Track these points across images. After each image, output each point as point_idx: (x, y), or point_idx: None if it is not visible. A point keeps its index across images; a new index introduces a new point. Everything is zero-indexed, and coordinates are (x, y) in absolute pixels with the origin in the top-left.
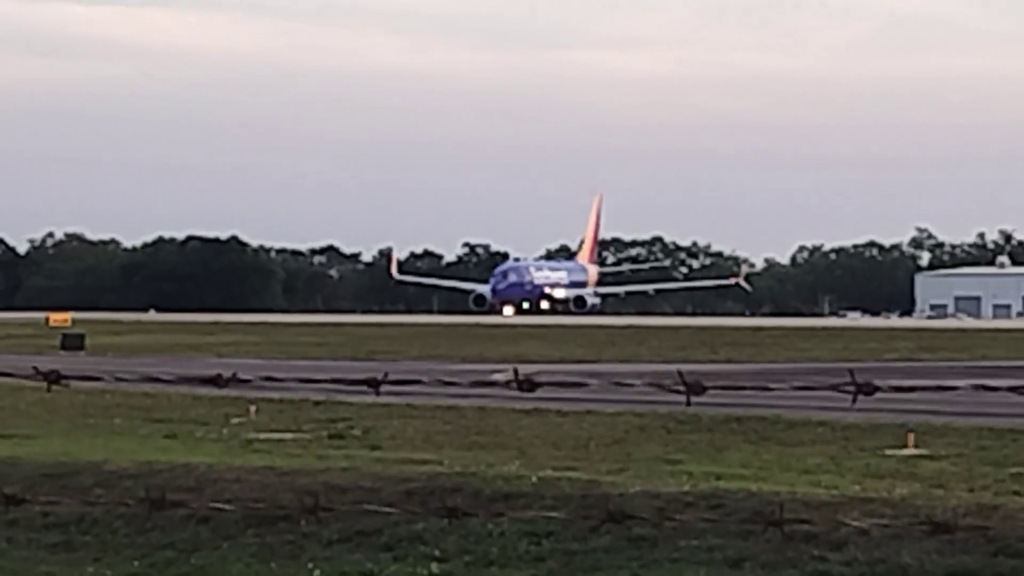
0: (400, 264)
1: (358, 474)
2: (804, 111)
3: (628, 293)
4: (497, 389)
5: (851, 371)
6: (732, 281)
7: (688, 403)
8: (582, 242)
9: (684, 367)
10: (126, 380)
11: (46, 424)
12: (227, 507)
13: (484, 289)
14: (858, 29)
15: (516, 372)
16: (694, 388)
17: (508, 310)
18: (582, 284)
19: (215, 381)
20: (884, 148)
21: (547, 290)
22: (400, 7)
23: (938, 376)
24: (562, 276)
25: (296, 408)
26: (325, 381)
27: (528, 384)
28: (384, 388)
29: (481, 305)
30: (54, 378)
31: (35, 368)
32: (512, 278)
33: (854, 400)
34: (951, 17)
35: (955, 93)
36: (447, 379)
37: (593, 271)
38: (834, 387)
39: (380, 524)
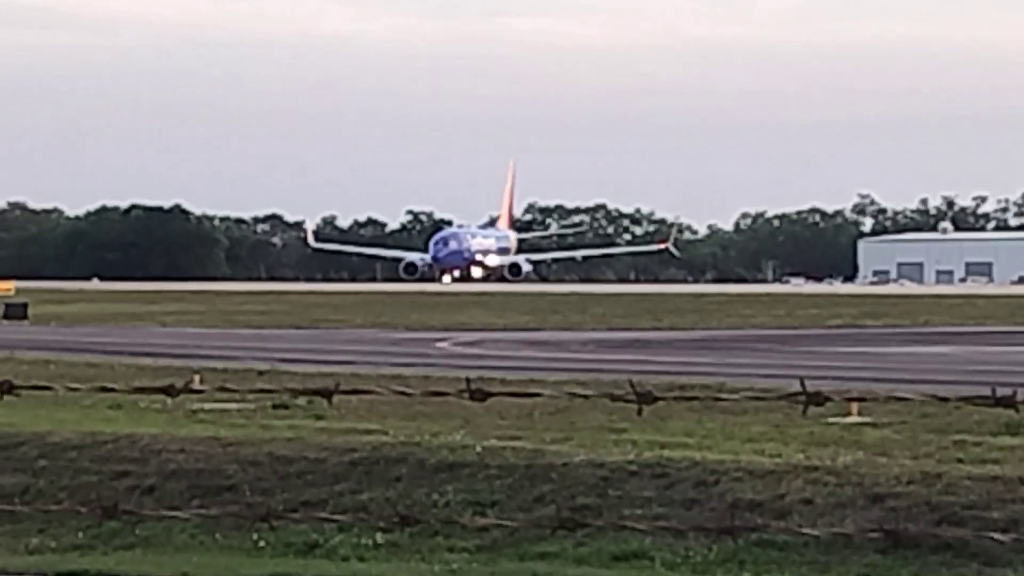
0: (316, 233)
1: (303, 444)
2: (748, 77)
3: (555, 260)
4: (439, 359)
5: (802, 380)
6: (662, 246)
7: (640, 412)
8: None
9: (627, 335)
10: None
11: None
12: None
13: (414, 257)
14: None
15: (468, 382)
16: (644, 398)
17: (446, 278)
18: (507, 251)
19: (167, 391)
20: (826, 114)
21: (479, 257)
22: None
23: (880, 343)
24: (491, 243)
25: (240, 378)
26: (276, 391)
27: (480, 394)
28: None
29: (412, 273)
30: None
31: None
32: (452, 245)
33: (804, 412)
34: None
35: (898, 59)
36: (400, 389)
37: (513, 238)
38: (786, 396)
39: (325, 495)
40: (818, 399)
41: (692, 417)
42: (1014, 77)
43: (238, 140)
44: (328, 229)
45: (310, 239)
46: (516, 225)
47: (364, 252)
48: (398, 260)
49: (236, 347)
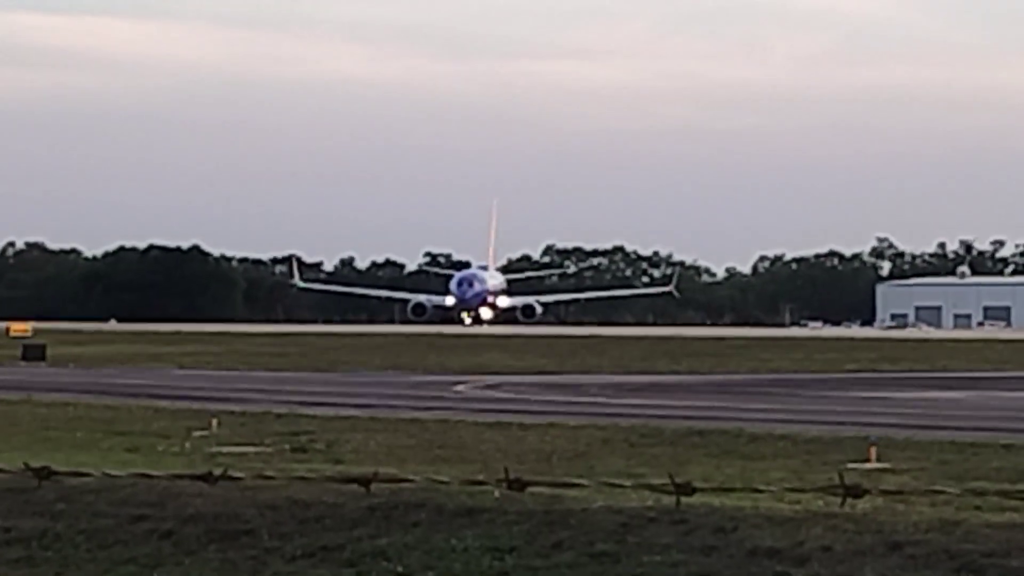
0: (301, 272)
1: (321, 488)
2: (766, 120)
3: (557, 302)
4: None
5: (840, 475)
6: (666, 289)
7: (678, 503)
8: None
9: (646, 378)
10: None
11: (6, 437)
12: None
13: (422, 297)
14: (820, 39)
15: (507, 471)
16: (683, 489)
17: (466, 318)
18: (505, 293)
19: (205, 479)
20: (845, 158)
21: (491, 299)
22: (362, 16)
23: (898, 388)
24: (502, 284)
25: (258, 421)
26: (315, 479)
27: (518, 484)
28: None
29: (420, 315)
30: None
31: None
32: (477, 286)
33: (843, 503)
34: (912, 27)
35: (916, 103)
36: (434, 477)
37: (502, 279)
38: (822, 489)
39: (343, 539)
40: (856, 491)
41: (711, 463)
42: None
43: (256, 181)
44: (346, 270)
45: (296, 279)
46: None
47: (352, 292)
48: (392, 300)
49: (254, 389)
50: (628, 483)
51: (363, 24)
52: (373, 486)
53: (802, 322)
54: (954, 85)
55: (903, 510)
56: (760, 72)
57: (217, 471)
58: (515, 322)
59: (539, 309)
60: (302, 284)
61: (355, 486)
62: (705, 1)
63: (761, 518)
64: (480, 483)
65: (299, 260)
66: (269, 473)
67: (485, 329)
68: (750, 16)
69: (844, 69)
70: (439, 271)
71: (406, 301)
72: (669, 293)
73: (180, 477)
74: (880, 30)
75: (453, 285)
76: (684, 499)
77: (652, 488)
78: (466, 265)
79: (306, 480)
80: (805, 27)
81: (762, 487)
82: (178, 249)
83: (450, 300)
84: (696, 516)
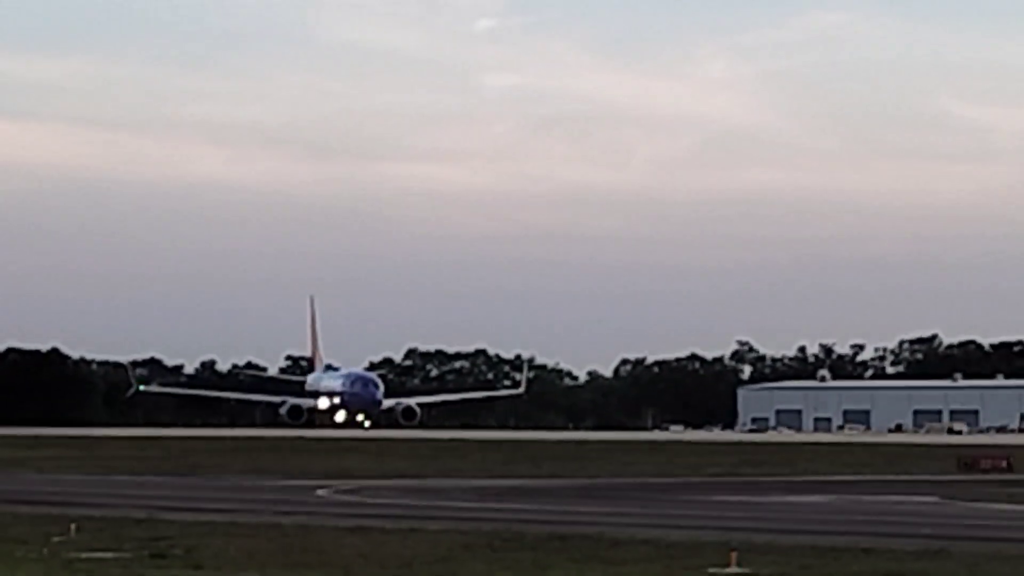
0: (139, 381)
1: None
2: (626, 224)
3: (420, 404)
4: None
5: None
6: (518, 391)
7: None
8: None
9: (508, 483)
10: None
11: None
12: None
13: (298, 401)
14: (680, 143)
15: None
16: None
17: (340, 417)
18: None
19: None
20: (705, 261)
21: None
22: (222, 118)
23: (759, 492)
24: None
25: (118, 526)
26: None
27: None
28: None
29: (297, 417)
30: None
31: None
32: (372, 388)
33: None
34: (771, 133)
35: (776, 207)
36: None
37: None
38: None
39: None
40: None
41: (574, 567)
42: (892, 226)
43: (116, 283)
44: (207, 373)
45: (134, 385)
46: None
47: (199, 394)
48: (253, 403)
49: (114, 494)
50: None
51: (222, 126)
52: None
53: (664, 425)
54: (813, 190)
55: None
56: (620, 175)
57: None
58: (396, 425)
59: (419, 412)
60: (143, 388)
61: None
62: (565, 105)
63: None
64: None
65: (149, 361)
66: None
67: (347, 432)
68: (610, 120)
69: (704, 173)
70: (291, 378)
71: (274, 404)
72: (519, 395)
73: None
74: (739, 135)
75: (339, 385)
76: None
77: None
78: (335, 368)
79: None
80: (665, 131)
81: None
82: (36, 352)
83: (324, 402)
84: None
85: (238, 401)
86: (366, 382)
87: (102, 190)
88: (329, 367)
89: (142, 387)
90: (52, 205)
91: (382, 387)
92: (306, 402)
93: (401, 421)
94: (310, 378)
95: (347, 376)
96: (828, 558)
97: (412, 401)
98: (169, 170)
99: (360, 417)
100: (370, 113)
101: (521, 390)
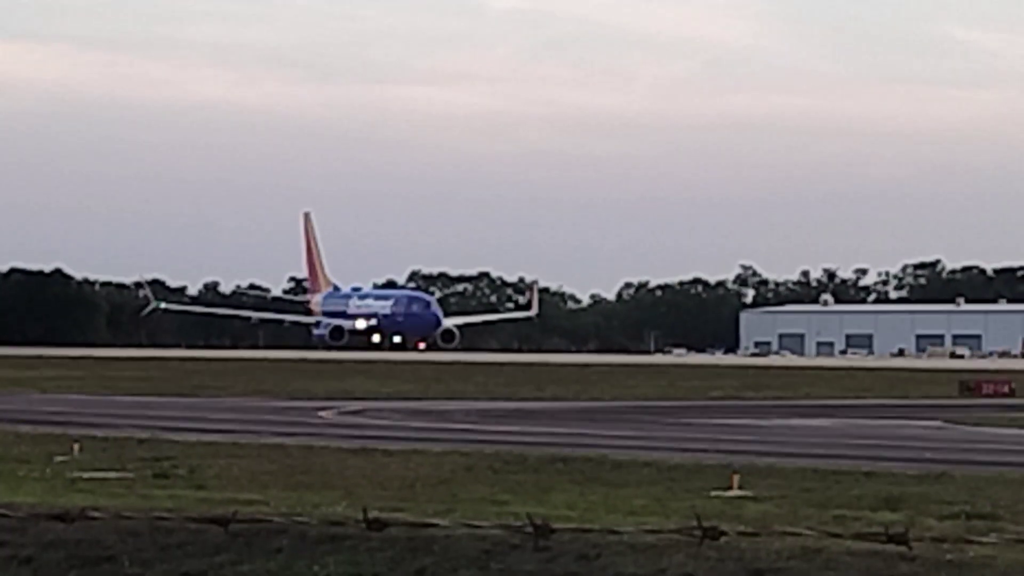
0: (155, 293)
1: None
2: (629, 148)
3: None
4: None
5: (698, 516)
6: (527, 313)
7: (536, 545)
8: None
9: (511, 405)
10: None
11: None
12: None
13: (340, 322)
14: (682, 66)
15: (365, 512)
16: (541, 531)
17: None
18: None
19: (62, 518)
20: (709, 185)
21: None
22: (225, 40)
23: (761, 415)
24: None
25: (120, 446)
26: (168, 518)
27: (377, 524)
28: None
29: (338, 338)
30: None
31: None
32: (419, 308)
33: (700, 544)
34: (774, 55)
35: (778, 131)
36: (298, 518)
37: None
38: (678, 531)
39: (205, 566)
40: (713, 534)
41: (575, 489)
42: (895, 151)
43: (120, 205)
44: (211, 295)
45: (153, 302)
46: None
47: (209, 312)
48: (247, 319)
49: (116, 414)
50: (487, 522)
51: (227, 48)
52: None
53: (666, 349)
54: (815, 113)
55: (765, 538)
56: (623, 99)
57: (79, 501)
58: (435, 348)
59: (457, 334)
60: (164, 306)
61: (219, 511)
62: (568, 28)
63: (624, 546)
64: (339, 524)
65: (152, 282)
66: (127, 514)
67: (350, 355)
68: (613, 43)
69: (706, 96)
70: (295, 298)
71: (307, 324)
72: (529, 318)
73: (37, 517)
74: (741, 58)
75: (389, 307)
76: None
77: (510, 528)
78: (336, 289)
79: (160, 518)
80: (667, 54)
81: (619, 528)
82: (40, 273)
83: (362, 323)
84: (559, 543)
85: (262, 321)
86: (426, 303)
87: (104, 111)
88: (356, 289)
89: (163, 305)
90: (54, 126)
91: (437, 307)
92: (347, 323)
93: (440, 343)
94: (317, 298)
95: (398, 297)
96: (829, 481)
97: (450, 323)
98: (171, 91)
99: (396, 339)
100: (373, 35)
101: (532, 312)
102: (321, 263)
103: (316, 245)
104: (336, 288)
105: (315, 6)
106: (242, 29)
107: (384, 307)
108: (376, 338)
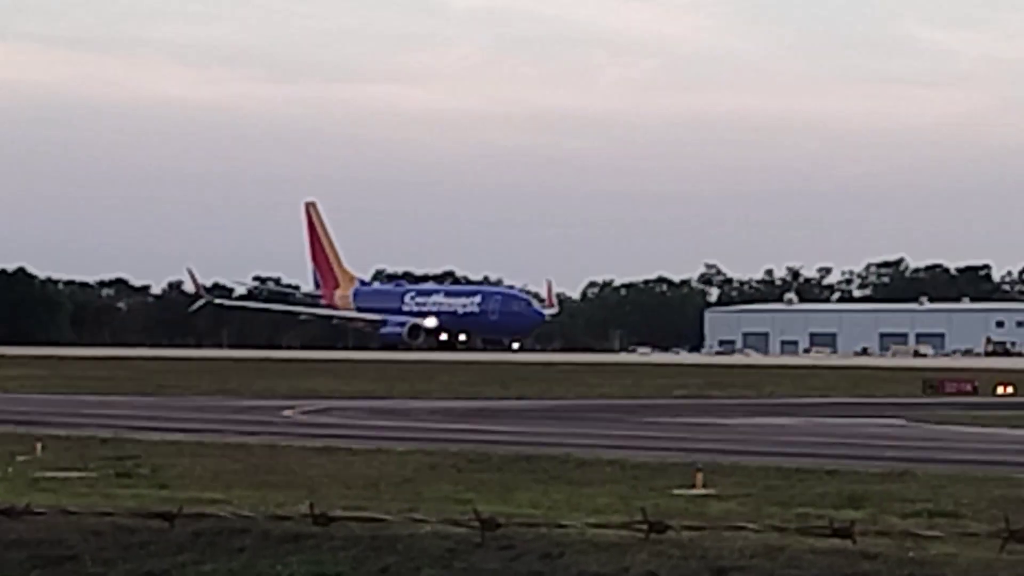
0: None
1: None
2: (592, 146)
3: None
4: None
5: (643, 510)
6: (552, 311)
7: (482, 540)
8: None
9: (475, 404)
10: None
11: None
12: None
13: (416, 320)
14: (646, 65)
15: (312, 506)
16: (487, 524)
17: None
18: None
19: (7, 513)
20: (672, 184)
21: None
22: (186, 39)
23: (725, 414)
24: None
25: (83, 445)
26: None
27: (324, 519)
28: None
29: (416, 337)
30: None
31: None
32: (520, 307)
33: (646, 538)
34: (736, 56)
35: (743, 131)
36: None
37: None
38: (625, 525)
39: (168, 565)
40: (659, 527)
41: (539, 488)
42: (859, 150)
43: (83, 203)
44: (174, 294)
45: (203, 297)
46: None
47: (268, 308)
48: (296, 315)
49: (80, 414)
50: (432, 518)
51: (188, 47)
52: (197, 510)
53: (631, 348)
54: (779, 112)
55: (729, 536)
56: (587, 98)
57: (41, 500)
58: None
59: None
60: (216, 301)
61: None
62: (531, 27)
63: (587, 544)
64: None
65: (116, 281)
66: (72, 509)
67: (312, 354)
68: (577, 42)
69: (670, 95)
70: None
71: (376, 322)
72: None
73: None
74: (706, 57)
75: (475, 304)
76: (510, 525)
77: (458, 523)
78: (296, 288)
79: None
80: (631, 53)
81: (565, 523)
82: (3, 272)
83: (431, 321)
84: (523, 541)
85: (315, 317)
86: (525, 301)
87: (67, 109)
88: (399, 283)
89: (216, 300)
90: (16, 125)
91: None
92: (421, 321)
93: (457, 344)
94: (345, 293)
95: (486, 293)
96: (793, 479)
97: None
98: (133, 90)
99: (469, 339)
100: (336, 34)
101: (554, 311)
102: (336, 254)
103: (327, 235)
104: (363, 283)
105: (278, 5)
106: (204, 28)
107: (467, 304)
108: (443, 337)
